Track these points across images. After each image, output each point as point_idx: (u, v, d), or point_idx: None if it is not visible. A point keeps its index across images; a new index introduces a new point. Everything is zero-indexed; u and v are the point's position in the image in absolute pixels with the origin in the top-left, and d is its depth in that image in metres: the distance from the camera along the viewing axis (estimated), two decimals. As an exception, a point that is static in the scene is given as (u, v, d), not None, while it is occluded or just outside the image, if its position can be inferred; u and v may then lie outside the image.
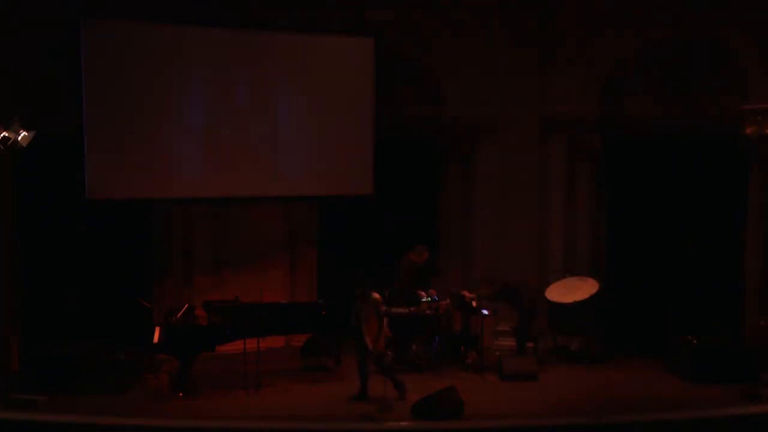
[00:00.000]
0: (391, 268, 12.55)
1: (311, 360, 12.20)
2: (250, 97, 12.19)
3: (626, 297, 12.88)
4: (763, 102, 11.72)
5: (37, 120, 11.00)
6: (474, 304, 12.14)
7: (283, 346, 12.78)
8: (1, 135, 10.42)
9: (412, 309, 12.00)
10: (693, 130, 12.53)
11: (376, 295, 10.53)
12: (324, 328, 11.84)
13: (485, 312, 12.11)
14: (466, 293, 12.38)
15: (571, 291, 12.34)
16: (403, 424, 9.18)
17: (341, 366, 11.76)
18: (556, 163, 13.10)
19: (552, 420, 8.74)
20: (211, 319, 11.21)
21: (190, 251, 12.97)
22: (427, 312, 12.02)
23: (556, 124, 13.04)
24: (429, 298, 12.19)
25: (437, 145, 13.62)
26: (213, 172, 12.13)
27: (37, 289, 11.92)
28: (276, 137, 12.41)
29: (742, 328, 11.93)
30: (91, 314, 11.88)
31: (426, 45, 13.29)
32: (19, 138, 10.55)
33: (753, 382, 10.91)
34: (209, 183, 12.15)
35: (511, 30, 13.04)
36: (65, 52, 11.35)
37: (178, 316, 11.12)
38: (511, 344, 12.32)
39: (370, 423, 9.34)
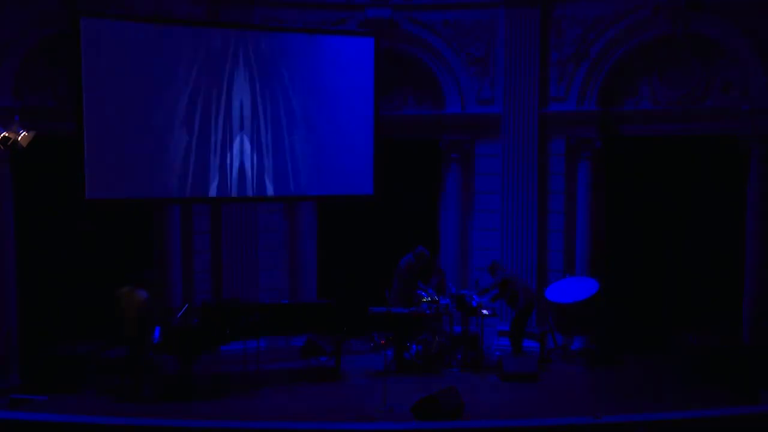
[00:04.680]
0: (391, 268, 12.57)
1: (311, 360, 12.21)
2: (250, 97, 12.19)
3: (626, 297, 12.89)
4: (763, 102, 11.71)
5: (37, 120, 11.06)
6: (474, 304, 12.14)
7: (283, 346, 12.79)
8: (1, 135, 10.42)
9: (412, 309, 12.02)
10: (693, 129, 12.54)
11: (141, 295, 10.71)
12: (324, 328, 11.84)
13: (485, 312, 12.12)
14: (466, 293, 12.39)
15: (571, 291, 12.34)
16: (403, 424, 9.18)
17: (341, 366, 11.76)
18: (556, 162, 13.10)
19: (552, 420, 8.76)
20: (211, 319, 11.21)
21: (190, 251, 12.99)
22: (427, 312, 12.02)
23: (555, 123, 13.06)
24: (429, 298, 12.20)
25: (437, 144, 13.63)
26: (213, 172, 12.13)
27: (37, 289, 11.92)
28: (276, 137, 12.41)
29: (743, 327, 11.92)
30: (91, 314, 11.88)
31: (426, 44, 13.31)
32: (19, 138, 10.55)
33: (753, 383, 10.91)
34: (209, 183, 12.15)
35: (511, 29, 13.05)
36: (65, 52, 11.36)
37: (178, 316, 11.12)
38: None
39: (370, 423, 9.36)
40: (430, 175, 13.85)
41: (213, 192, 12.22)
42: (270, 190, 12.55)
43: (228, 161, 12.17)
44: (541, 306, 12.53)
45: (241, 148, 12.23)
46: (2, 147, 10.54)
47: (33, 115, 11.15)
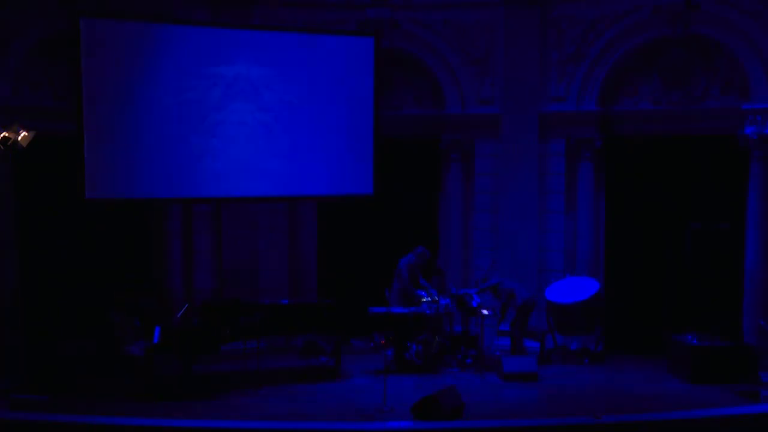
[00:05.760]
0: (391, 268, 12.56)
1: (311, 360, 12.21)
2: (250, 96, 12.19)
3: (626, 297, 12.89)
4: (763, 102, 11.72)
5: (37, 120, 11.04)
6: (474, 304, 12.14)
7: (283, 346, 12.79)
8: (1, 135, 10.42)
9: (412, 309, 12.02)
10: (693, 130, 12.55)
11: (111, 317, 11.01)
12: (324, 328, 11.84)
13: (485, 312, 12.12)
14: (466, 293, 12.39)
15: (571, 291, 12.34)
16: (403, 424, 9.18)
17: (341, 366, 11.76)
18: (556, 162, 13.11)
19: (552, 420, 8.76)
20: (211, 319, 11.21)
21: (190, 251, 12.99)
22: (427, 312, 12.02)
23: (555, 123, 13.06)
24: (429, 298, 12.19)
25: (437, 144, 13.63)
26: (213, 172, 12.12)
27: (37, 289, 11.92)
28: (276, 137, 12.41)
29: (742, 327, 11.92)
30: (91, 314, 11.89)
31: (426, 44, 13.31)
32: (19, 138, 10.55)
33: (753, 382, 10.91)
34: (209, 183, 12.15)
35: (511, 29, 13.06)
36: (65, 52, 11.37)
37: (178, 316, 11.13)
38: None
39: (371, 423, 9.36)
40: (430, 175, 13.85)
41: (213, 192, 12.22)
42: (270, 190, 12.55)
43: (228, 161, 12.17)
44: (541, 306, 12.53)
45: (241, 147, 12.23)
46: (2, 147, 10.54)
47: (33, 115, 11.15)
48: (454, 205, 13.59)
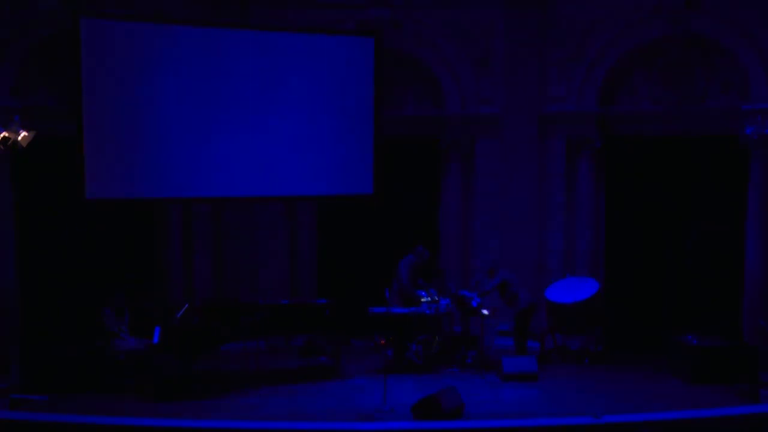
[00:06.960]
0: (391, 268, 12.56)
1: (311, 360, 12.21)
2: (249, 96, 12.18)
3: (626, 297, 12.90)
4: (763, 102, 11.72)
5: (37, 120, 11.06)
6: (474, 304, 12.14)
7: (283, 346, 12.79)
8: (1, 135, 10.43)
9: (412, 309, 12.02)
10: (693, 130, 12.56)
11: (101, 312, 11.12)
12: (324, 328, 11.85)
13: (485, 312, 12.12)
14: (466, 293, 12.38)
15: (571, 291, 12.34)
16: (403, 424, 9.18)
17: (341, 366, 11.76)
18: (556, 162, 13.11)
19: (552, 420, 8.76)
20: (211, 319, 11.21)
21: (190, 251, 12.99)
22: (427, 312, 12.02)
23: (555, 123, 13.06)
24: (429, 298, 12.19)
25: (437, 144, 13.63)
26: (213, 172, 12.12)
27: (36, 289, 11.92)
28: (276, 137, 12.40)
29: (743, 327, 11.93)
30: (91, 314, 11.88)
31: (426, 44, 13.31)
32: (19, 138, 10.56)
33: (753, 382, 10.91)
34: (209, 183, 12.14)
35: (511, 28, 13.06)
36: (65, 52, 11.37)
37: (178, 316, 11.13)
38: (512, 344, 12.34)
39: (371, 423, 9.36)
40: (430, 175, 13.85)
41: (213, 191, 12.21)
42: (270, 190, 12.54)
43: (228, 161, 12.15)
44: (541, 306, 12.53)
45: (241, 147, 12.22)
46: (2, 147, 10.56)
47: (33, 115, 11.16)
48: (454, 205, 13.59)
